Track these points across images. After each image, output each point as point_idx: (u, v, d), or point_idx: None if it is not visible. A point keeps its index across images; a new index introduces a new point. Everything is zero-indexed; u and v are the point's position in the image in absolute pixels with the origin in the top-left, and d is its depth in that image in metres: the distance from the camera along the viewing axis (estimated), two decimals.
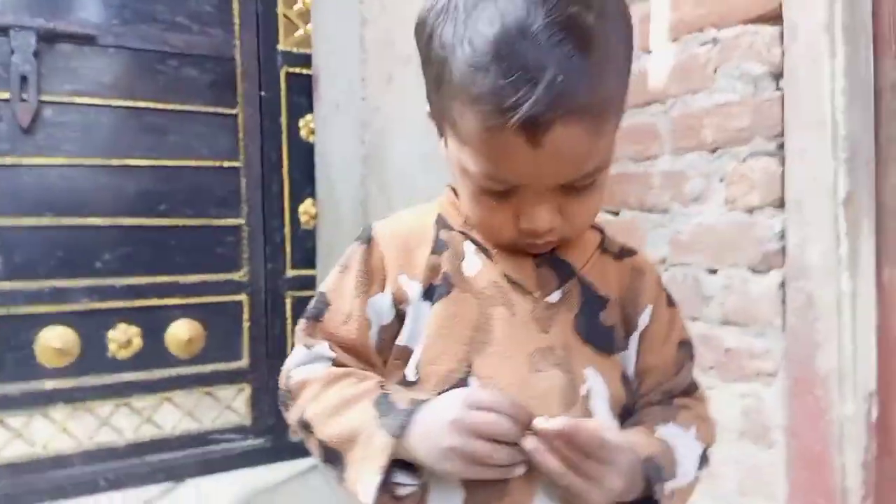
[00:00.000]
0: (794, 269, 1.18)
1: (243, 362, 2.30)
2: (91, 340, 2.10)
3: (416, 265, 0.67)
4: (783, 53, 1.20)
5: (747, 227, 1.27)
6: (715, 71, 1.33)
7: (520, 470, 0.58)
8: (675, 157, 1.40)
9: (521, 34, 0.52)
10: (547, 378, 0.63)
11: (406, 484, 0.61)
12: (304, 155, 2.40)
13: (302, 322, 0.71)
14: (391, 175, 2.06)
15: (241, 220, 2.31)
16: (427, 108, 0.67)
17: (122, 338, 2.13)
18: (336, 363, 0.68)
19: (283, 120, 2.38)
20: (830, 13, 1.13)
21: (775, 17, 1.21)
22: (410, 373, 0.65)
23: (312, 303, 0.71)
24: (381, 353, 0.69)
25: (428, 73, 0.62)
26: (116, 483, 2.09)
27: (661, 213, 1.43)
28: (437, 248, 0.68)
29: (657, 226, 1.44)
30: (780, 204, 1.21)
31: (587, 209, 0.64)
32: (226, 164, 2.29)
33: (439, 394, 0.62)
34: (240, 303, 2.31)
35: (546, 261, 0.68)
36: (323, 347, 0.68)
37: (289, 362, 0.71)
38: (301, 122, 2.42)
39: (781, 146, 1.21)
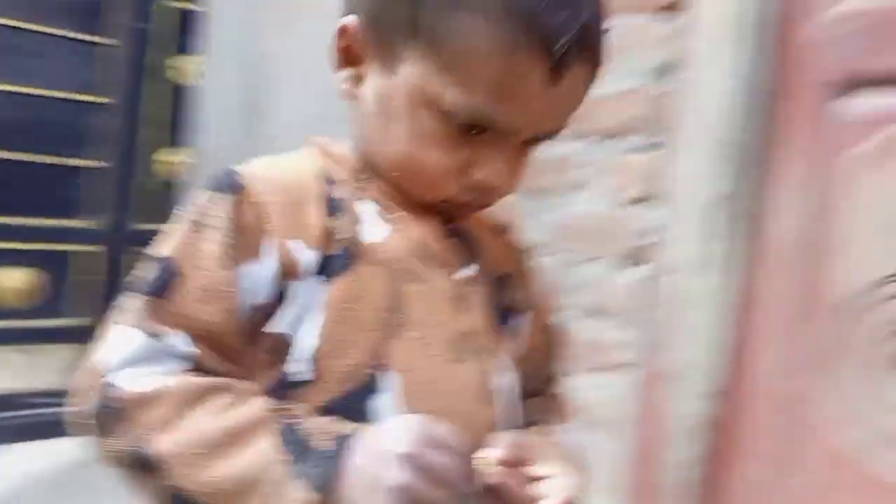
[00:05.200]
0: (664, 264, 1.18)
1: (83, 320, 2.08)
2: None
3: (309, 228, 0.53)
4: (682, 47, 1.20)
5: (625, 219, 1.26)
6: (612, 59, 1.30)
7: None
8: (564, 143, 1.38)
9: None
10: (465, 370, 0.56)
11: None
12: (179, 98, 2.21)
13: (137, 298, 0.51)
14: (276, 131, 1.92)
15: (97, 163, 2.09)
16: (353, 22, 0.54)
17: None
18: (197, 365, 0.50)
19: (158, 55, 2.18)
20: (727, 14, 1.13)
21: (676, 9, 1.20)
22: (302, 369, 0.52)
23: (151, 272, 0.52)
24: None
25: None
26: None
27: (544, 198, 1.40)
28: (332, 208, 0.55)
29: (539, 210, 1.41)
30: (657, 199, 1.21)
31: (524, 171, 0.57)
32: (85, 97, 2.06)
33: (346, 394, 0.52)
34: (86, 254, 2.09)
35: (453, 231, 0.60)
36: (178, 339, 0.50)
37: (111, 356, 0.50)
38: (179, 61, 2.22)
39: (664, 141, 1.21)
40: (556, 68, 0.49)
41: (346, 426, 0.49)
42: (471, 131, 0.52)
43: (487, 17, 0.48)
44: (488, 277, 0.61)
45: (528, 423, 0.62)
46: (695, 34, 1.16)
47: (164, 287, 0.51)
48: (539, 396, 0.66)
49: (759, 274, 1.16)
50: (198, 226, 0.53)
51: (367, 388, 0.52)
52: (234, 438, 0.47)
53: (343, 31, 0.55)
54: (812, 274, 1.09)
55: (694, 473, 1.15)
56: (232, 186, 0.53)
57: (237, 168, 0.55)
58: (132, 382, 0.49)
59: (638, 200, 1.24)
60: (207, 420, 0.48)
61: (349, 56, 0.56)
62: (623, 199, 1.26)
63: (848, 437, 1.03)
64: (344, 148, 0.59)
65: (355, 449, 0.47)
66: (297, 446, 0.47)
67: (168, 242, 0.53)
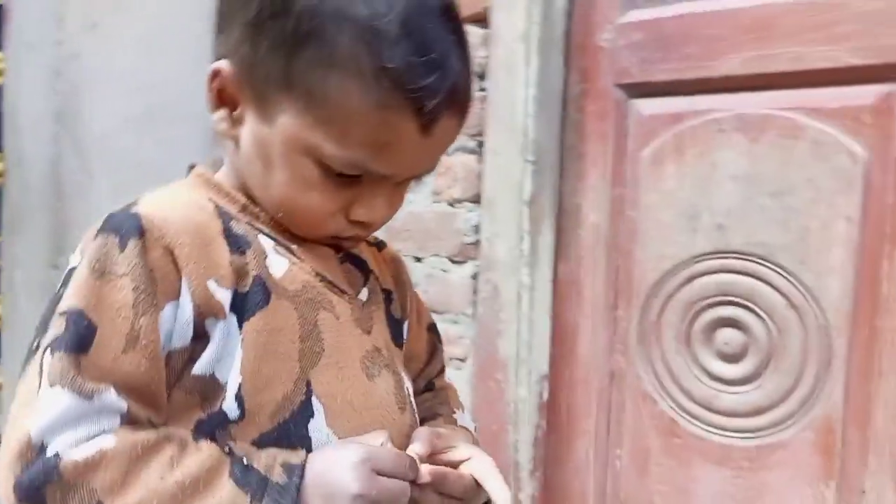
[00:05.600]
0: (484, 262, 1.26)
1: None
2: None
3: (220, 268, 0.53)
4: (487, 56, 1.26)
5: (449, 219, 1.32)
6: None
7: None
8: None
9: (425, 11, 0.52)
10: (381, 383, 0.60)
11: None
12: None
13: (56, 357, 0.48)
14: (88, 135, 1.81)
15: None
16: (227, 67, 0.55)
17: None
18: (129, 417, 0.48)
19: None
20: (528, 25, 1.21)
21: (482, 20, 1.26)
22: (229, 408, 0.52)
23: (60, 326, 0.49)
24: None
25: (272, 27, 0.51)
26: None
27: None
28: (237, 244, 0.55)
29: None
30: (478, 199, 1.28)
31: (401, 202, 0.61)
32: None
33: (278, 427, 0.53)
34: None
35: (346, 257, 0.64)
36: (109, 395, 0.48)
37: (41, 420, 0.46)
38: None
39: (481, 144, 1.28)
40: (427, 125, 0.52)
41: (292, 455, 0.51)
42: (349, 176, 0.55)
43: (359, 79, 0.50)
44: (380, 294, 0.66)
45: (433, 416, 0.69)
46: (495, 45, 1.24)
47: (81, 341, 0.48)
48: (430, 392, 0.73)
49: (571, 267, 1.27)
50: (103, 273, 0.50)
51: (299, 418, 0.54)
52: (192, 490, 0.47)
53: (216, 74, 0.55)
54: (621, 262, 1.21)
55: (539, 451, 1.25)
56: (134, 230, 0.51)
57: (135, 209, 0.52)
58: (71, 447, 0.46)
59: (460, 201, 1.31)
60: (161, 475, 0.47)
61: (224, 98, 0.56)
62: (447, 199, 1.33)
63: (666, 405, 1.17)
64: (225, 179, 0.60)
65: (310, 480, 0.49)
66: (255, 482, 0.48)
67: (72, 294, 0.50)
